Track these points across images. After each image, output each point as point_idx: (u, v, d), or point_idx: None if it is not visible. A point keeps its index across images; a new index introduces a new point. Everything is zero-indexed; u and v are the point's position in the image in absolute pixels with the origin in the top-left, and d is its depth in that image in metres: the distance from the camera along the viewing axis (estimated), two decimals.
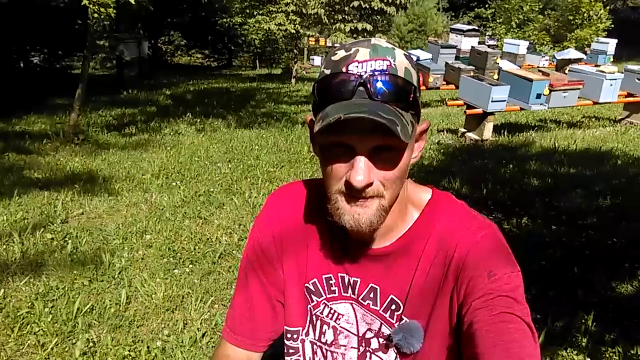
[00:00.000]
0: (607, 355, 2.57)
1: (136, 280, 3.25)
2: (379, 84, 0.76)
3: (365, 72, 0.77)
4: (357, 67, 0.77)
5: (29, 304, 2.92)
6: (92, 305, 2.95)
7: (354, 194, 0.80)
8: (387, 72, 0.77)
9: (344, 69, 0.78)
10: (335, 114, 0.73)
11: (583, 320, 2.81)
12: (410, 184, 0.96)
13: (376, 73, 0.77)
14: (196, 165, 5.95)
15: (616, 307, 2.97)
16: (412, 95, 0.79)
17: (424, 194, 0.97)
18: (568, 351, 2.60)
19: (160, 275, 3.33)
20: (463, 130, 7.53)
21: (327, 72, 0.80)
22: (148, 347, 2.57)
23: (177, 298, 3.08)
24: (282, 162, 6.06)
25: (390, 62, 0.78)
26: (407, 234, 0.92)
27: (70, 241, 3.74)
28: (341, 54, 0.80)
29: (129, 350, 2.54)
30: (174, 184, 5.25)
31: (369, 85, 0.76)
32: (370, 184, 0.79)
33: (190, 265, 3.47)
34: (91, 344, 2.60)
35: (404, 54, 0.81)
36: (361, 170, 0.77)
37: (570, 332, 2.75)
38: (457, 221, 0.91)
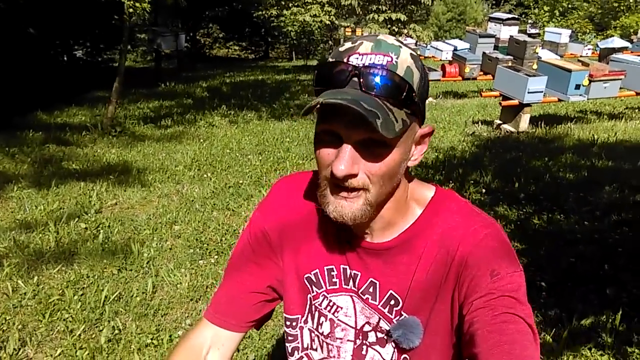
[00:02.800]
0: (634, 357, 2.49)
1: (163, 270, 3.34)
2: (372, 77, 0.76)
3: (363, 64, 0.78)
4: (357, 58, 0.78)
5: (60, 291, 3.04)
6: (120, 294, 3.05)
7: (337, 182, 0.80)
8: (384, 67, 0.77)
9: (345, 59, 0.79)
10: (321, 99, 0.74)
11: (610, 319, 2.73)
12: (413, 181, 0.95)
13: (373, 66, 0.77)
14: (228, 157, 6.03)
15: None
16: (405, 94, 0.78)
17: (428, 191, 0.96)
18: (592, 351, 2.53)
19: (187, 265, 3.41)
20: (499, 122, 7.38)
21: (331, 60, 0.82)
22: (170, 336, 2.64)
23: (201, 288, 3.15)
24: (312, 155, 6.04)
25: (391, 59, 0.78)
26: (409, 230, 0.92)
27: (102, 231, 3.86)
28: (347, 45, 0.81)
29: (151, 339, 2.62)
30: (205, 175, 5.35)
31: (362, 77, 0.77)
32: (354, 176, 0.79)
33: (216, 256, 3.54)
34: (116, 331, 2.69)
35: (411, 54, 0.81)
36: (344, 160, 0.77)
37: (596, 332, 2.68)
38: (460, 219, 0.90)
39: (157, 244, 3.71)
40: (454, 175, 5.15)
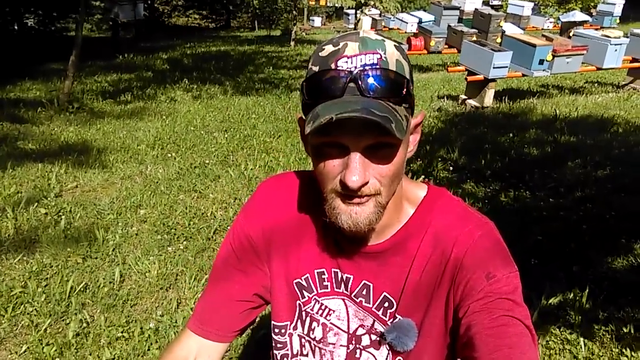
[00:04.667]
0: (600, 334, 2.57)
1: (130, 257, 3.24)
2: (370, 80, 0.73)
3: (355, 67, 0.74)
4: (346, 62, 0.74)
5: (23, 283, 2.92)
6: (86, 284, 2.95)
7: (349, 193, 0.77)
8: (378, 67, 0.74)
9: (332, 65, 0.75)
10: (327, 114, 0.70)
11: (577, 298, 2.80)
12: (405, 179, 0.92)
13: (367, 68, 0.74)
14: (192, 135, 5.88)
15: (611, 284, 2.96)
16: (405, 89, 0.76)
17: (420, 190, 0.94)
18: (561, 330, 2.60)
19: (155, 252, 3.32)
20: (464, 97, 7.42)
21: (316, 69, 0.77)
22: (141, 328, 2.57)
23: (171, 276, 3.07)
24: (279, 132, 5.99)
25: (380, 55, 0.75)
26: (402, 231, 0.90)
27: (64, 216, 3.72)
28: (329, 49, 0.77)
29: (122, 331, 2.55)
30: (169, 155, 5.20)
31: (359, 81, 0.73)
32: (366, 183, 0.76)
33: (185, 242, 3.46)
34: (84, 325, 2.60)
35: (394, 45, 0.78)
36: (356, 170, 0.74)
37: (564, 310, 2.75)
38: (454, 219, 0.89)
39: (122, 230, 3.60)
40: (421, 152, 5.16)
